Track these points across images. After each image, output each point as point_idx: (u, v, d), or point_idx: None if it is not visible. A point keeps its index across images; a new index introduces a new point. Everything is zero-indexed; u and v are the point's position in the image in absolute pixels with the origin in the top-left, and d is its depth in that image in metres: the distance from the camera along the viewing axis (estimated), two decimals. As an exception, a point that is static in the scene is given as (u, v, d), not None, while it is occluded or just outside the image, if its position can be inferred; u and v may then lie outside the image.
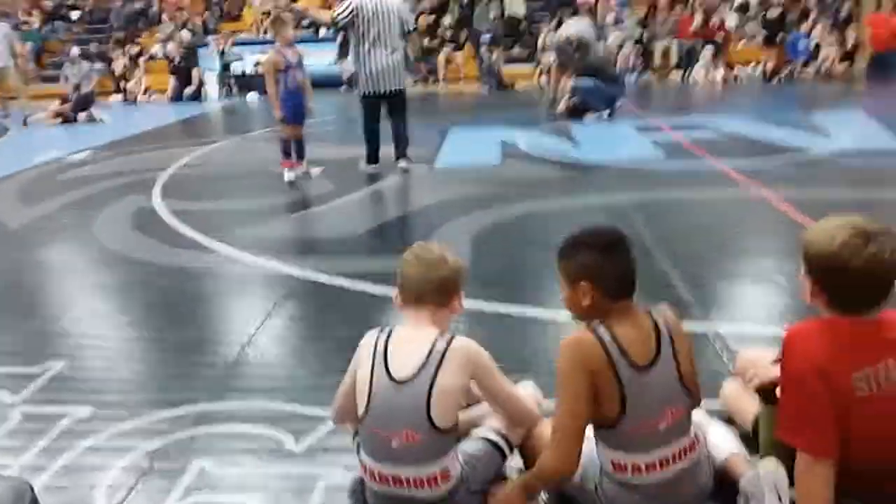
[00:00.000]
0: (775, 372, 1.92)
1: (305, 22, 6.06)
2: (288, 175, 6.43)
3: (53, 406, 2.78)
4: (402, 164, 6.55)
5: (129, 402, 2.81)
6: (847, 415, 1.71)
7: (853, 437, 1.72)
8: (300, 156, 6.58)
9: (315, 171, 6.58)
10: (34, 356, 3.21)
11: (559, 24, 12.36)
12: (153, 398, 2.83)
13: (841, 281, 1.72)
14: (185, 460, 2.42)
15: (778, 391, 1.88)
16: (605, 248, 1.91)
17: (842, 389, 1.71)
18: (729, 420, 2.39)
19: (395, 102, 6.45)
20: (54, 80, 14.46)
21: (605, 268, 1.88)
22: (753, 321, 3.29)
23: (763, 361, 2.20)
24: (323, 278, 4.04)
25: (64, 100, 11.64)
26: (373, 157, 6.66)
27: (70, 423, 2.67)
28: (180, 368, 3.08)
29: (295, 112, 6.31)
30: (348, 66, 6.38)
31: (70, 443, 2.55)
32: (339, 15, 6.18)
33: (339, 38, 13.31)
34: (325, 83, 12.26)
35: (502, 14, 15.27)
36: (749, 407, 2.25)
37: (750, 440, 2.23)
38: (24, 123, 11.38)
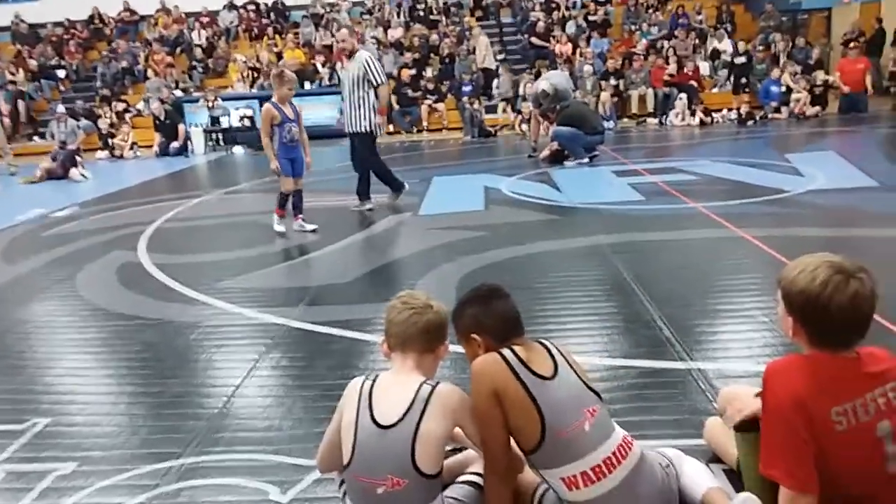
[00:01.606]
0: (756, 404, 1.96)
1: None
2: (278, 226, 6.43)
3: (37, 464, 2.75)
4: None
5: (114, 457, 2.79)
6: (827, 449, 1.74)
7: (833, 470, 1.74)
8: (298, 209, 6.52)
9: (309, 227, 6.50)
10: (17, 413, 3.18)
11: (538, 75, 12.69)
12: (137, 453, 2.80)
13: (823, 318, 1.76)
14: (170, 515, 2.40)
15: (757, 417, 1.91)
16: (484, 301, 2.17)
17: (821, 424, 1.74)
18: (713, 458, 2.41)
19: None
20: (40, 137, 14.57)
21: (487, 317, 2.13)
22: (734, 358, 3.33)
23: (744, 396, 2.23)
24: (309, 327, 4.06)
25: (53, 158, 11.68)
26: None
27: (54, 480, 2.64)
28: (165, 422, 3.06)
29: (292, 166, 6.33)
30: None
31: (54, 500, 2.52)
32: (382, 76, 6.91)
33: None
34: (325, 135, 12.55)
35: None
36: (732, 444, 2.27)
37: (735, 477, 2.25)
38: (10, 175, 11.39)
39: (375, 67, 6.87)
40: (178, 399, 3.28)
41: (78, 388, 3.50)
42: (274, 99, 6.28)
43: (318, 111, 14.27)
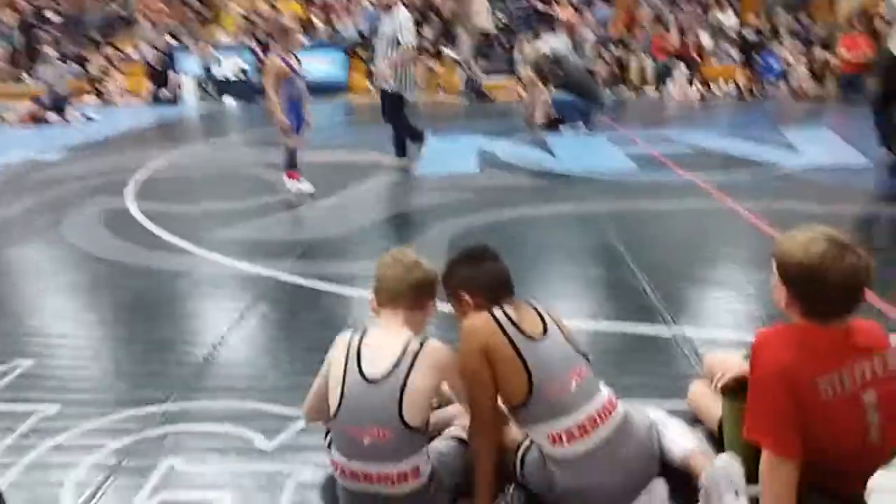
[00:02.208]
0: (742, 368, 1.98)
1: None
2: (294, 186, 6.08)
3: (20, 404, 2.75)
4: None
5: (98, 400, 2.79)
6: (812, 417, 1.75)
7: (817, 438, 1.76)
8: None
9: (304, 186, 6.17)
10: (1, 354, 3.16)
11: (537, 38, 12.53)
12: (122, 397, 2.80)
13: (817, 289, 1.76)
14: (154, 458, 2.41)
15: (741, 383, 1.93)
16: (475, 261, 2.20)
17: (807, 393, 1.75)
18: (695, 421, 2.44)
19: None
20: (28, 80, 14.28)
21: (477, 276, 2.15)
22: (720, 326, 3.36)
23: (730, 360, 2.25)
24: (297, 280, 4.05)
25: (36, 100, 11.47)
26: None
27: (37, 420, 2.64)
28: (150, 367, 3.06)
29: (298, 122, 6.05)
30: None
31: (37, 440, 2.52)
32: (410, 38, 6.72)
33: None
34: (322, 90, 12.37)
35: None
36: (715, 407, 2.30)
37: (716, 440, 2.28)
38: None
39: (406, 28, 6.71)
40: (164, 346, 3.27)
41: (63, 331, 3.49)
42: (278, 51, 6.04)
43: (314, 66, 14.04)
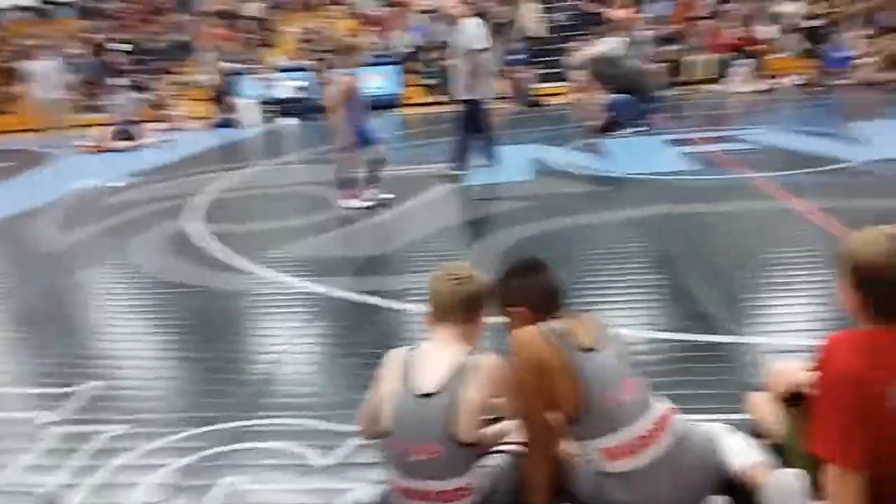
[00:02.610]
0: (805, 377, 1.90)
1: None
2: (350, 203, 6.17)
3: (89, 425, 2.86)
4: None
5: (162, 420, 2.88)
6: (879, 427, 1.68)
7: (883, 449, 1.68)
8: (377, 180, 6.34)
9: (384, 196, 6.32)
10: (71, 377, 3.30)
11: (589, 41, 12.37)
12: (185, 416, 2.89)
13: (883, 292, 1.69)
14: (215, 477, 2.46)
15: (805, 393, 1.85)
16: (526, 273, 2.19)
17: (876, 401, 1.67)
18: (757, 433, 2.34)
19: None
20: (99, 109, 14.99)
21: (527, 288, 2.14)
22: (784, 333, 3.22)
23: (792, 371, 2.16)
24: (352, 296, 4.09)
25: (106, 127, 12.04)
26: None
27: (104, 441, 2.74)
28: (211, 386, 3.14)
29: (366, 136, 6.15)
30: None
31: (104, 461, 2.61)
32: (478, 44, 6.74)
33: None
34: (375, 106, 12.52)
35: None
36: (777, 419, 2.20)
37: (779, 453, 2.18)
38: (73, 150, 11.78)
39: (476, 36, 6.76)
40: (225, 365, 3.36)
41: (130, 352, 3.63)
42: (345, 71, 6.07)
43: (368, 81, 14.22)
